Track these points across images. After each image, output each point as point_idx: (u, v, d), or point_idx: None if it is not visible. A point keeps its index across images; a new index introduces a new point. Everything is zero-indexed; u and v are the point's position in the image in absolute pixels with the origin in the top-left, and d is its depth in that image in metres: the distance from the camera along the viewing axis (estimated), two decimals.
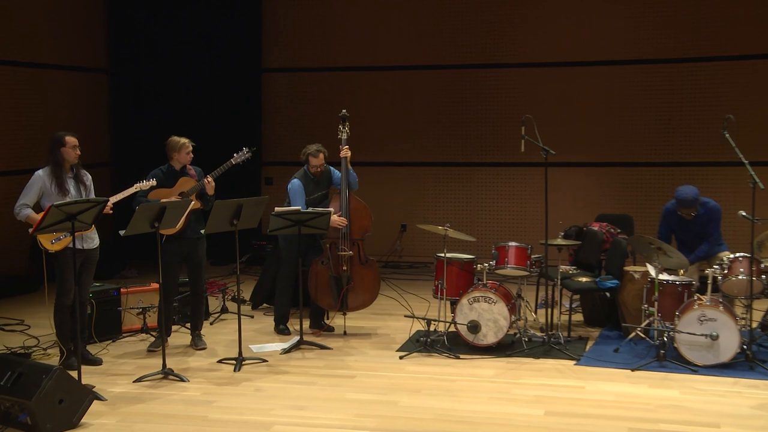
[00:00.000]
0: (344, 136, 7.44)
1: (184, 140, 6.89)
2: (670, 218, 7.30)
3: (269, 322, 7.86)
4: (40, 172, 6.30)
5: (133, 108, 11.29)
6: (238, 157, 6.96)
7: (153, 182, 6.55)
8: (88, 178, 6.52)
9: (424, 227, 7.39)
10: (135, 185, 6.54)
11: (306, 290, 7.32)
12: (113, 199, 6.30)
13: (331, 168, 7.57)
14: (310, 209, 7.08)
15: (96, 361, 6.64)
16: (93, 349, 6.98)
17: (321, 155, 7.36)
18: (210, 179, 6.81)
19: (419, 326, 7.33)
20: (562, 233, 7.35)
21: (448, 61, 10.93)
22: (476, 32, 10.77)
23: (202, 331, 7.30)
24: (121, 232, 6.12)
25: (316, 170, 7.37)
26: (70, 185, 6.34)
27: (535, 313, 7.86)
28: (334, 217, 7.20)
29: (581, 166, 10.61)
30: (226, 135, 11.08)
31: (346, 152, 7.35)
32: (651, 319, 6.72)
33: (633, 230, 8.40)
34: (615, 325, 7.39)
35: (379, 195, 11.11)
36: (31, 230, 5.77)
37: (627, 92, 10.46)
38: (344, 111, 7.52)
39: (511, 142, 10.47)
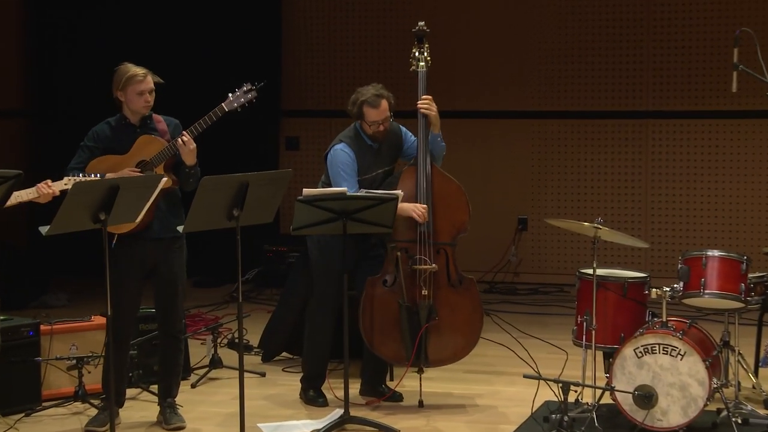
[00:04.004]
0: (422, 67, 7.42)
1: (135, 70, 6.87)
2: None
3: (293, 383, 7.87)
4: None
5: (67, 23, 11.39)
6: (234, 100, 6.92)
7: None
8: None
9: (557, 223, 7.28)
10: (65, 179, 6.45)
11: (355, 330, 7.30)
12: (18, 198, 6.26)
13: (402, 128, 7.56)
14: (363, 192, 7.06)
15: None
16: None
17: (384, 103, 7.31)
18: (187, 138, 6.78)
19: (549, 394, 7.21)
20: None
21: None
22: None
23: (179, 399, 7.30)
24: (43, 230, 6.11)
25: (376, 130, 7.35)
26: None
27: (756, 374, 7.72)
28: (407, 205, 7.16)
29: None
30: (224, 69, 11.13)
31: (428, 106, 7.33)
32: None
33: None
34: None
35: (478, 168, 11.07)
36: None
37: None
38: (421, 24, 7.52)
39: (713, 77, 10.35)
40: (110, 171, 6.67)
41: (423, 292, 7.28)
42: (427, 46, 7.46)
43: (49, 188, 6.34)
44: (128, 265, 6.73)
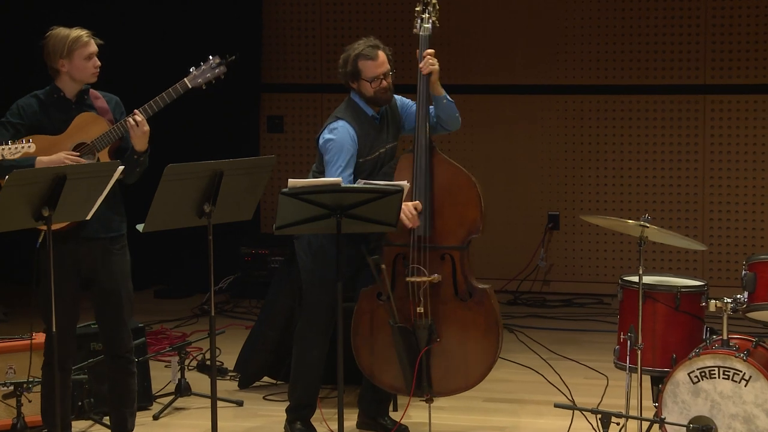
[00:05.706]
0: (425, 30, 7.42)
1: (77, 32, 6.86)
2: None
3: (277, 414, 7.90)
4: None
5: None
6: (198, 75, 6.96)
7: (30, 145, 6.53)
8: None
9: (595, 221, 7.32)
10: None
11: (352, 352, 7.33)
12: None
13: (399, 98, 7.58)
14: (362, 182, 7.06)
15: None
16: None
17: (381, 54, 7.34)
18: (140, 118, 6.79)
19: (586, 427, 7.27)
20: None
21: None
22: None
23: None
24: None
25: (378, 87, 7.35)
26: None
27: None
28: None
29: None
30: (196, 35, 11.20)
31: (428, 63, 7.35)
32: None
33: None
34: None
35: (499, 154, 11.14)
36: None
37: None
38: None
39: None
40: (40, 154, 6.64)
41: (418, 309, 7.26)
42: (434, 2, 7.43)
43: None
44: (59, 269, 6.70)
